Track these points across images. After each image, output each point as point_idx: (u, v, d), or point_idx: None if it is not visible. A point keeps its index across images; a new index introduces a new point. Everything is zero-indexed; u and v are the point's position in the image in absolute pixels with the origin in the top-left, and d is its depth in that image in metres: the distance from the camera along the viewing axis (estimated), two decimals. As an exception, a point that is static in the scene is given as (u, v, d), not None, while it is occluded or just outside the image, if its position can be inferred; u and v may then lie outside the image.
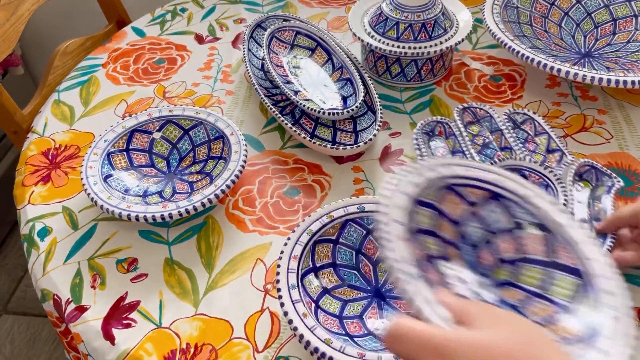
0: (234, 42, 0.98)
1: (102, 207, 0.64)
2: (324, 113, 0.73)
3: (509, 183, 0.48)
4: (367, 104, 0.80)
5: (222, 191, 0.65)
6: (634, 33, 0.87)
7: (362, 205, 0.61)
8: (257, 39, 0.90)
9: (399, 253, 0.39)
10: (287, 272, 0.55)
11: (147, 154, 0.74)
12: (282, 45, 0.88)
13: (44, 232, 0.68)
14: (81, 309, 0.60)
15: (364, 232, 0.61)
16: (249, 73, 0.82)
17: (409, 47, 0.81)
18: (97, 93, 0.88)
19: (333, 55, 0.84)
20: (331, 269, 0.59)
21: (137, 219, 0.62)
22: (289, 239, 0.58)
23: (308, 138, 0.73)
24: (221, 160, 0.71)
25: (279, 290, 0.54)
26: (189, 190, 0.69)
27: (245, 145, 0.70)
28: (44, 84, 0.94)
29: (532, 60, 0.77)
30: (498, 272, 0.47)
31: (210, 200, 0.64)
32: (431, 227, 0.46)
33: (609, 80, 0.73)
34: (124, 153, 0.72)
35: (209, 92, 0.87)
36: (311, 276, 0.57)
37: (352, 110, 0.74)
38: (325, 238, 0.60)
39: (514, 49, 0.79)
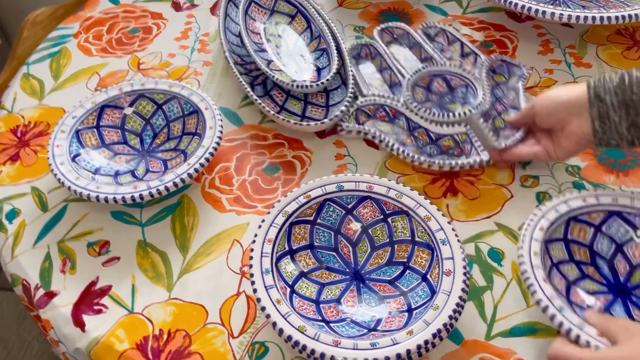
0: (213, 9, 0.93)
1: (69, 188, 0.61)
2: (292, 85, 0.70)
3: (622, 200, 0.56)
4: (342, 77, 0.76)
5: (196, 170, 0.62)
6: None
7: (341, 183, 0.58)
8: (237, 3, 0.85)
9: (547, 293, 0.49)
10: (261, 257, 0.52)
11: (119, 131, 0.70)
12: (261, 11, 0.83)
13: (12, 215, 0.65)
14: (50, 295, 0.58)
15: (343, 211, 0.58)
16: (221, 38, 0.78)
17: None
18: (68, 65, 0.84)
19: (312, 23, 0.80)
20: (308, 251, 0.57)
21: (106, 200, 0.60)
22: (263, 221, 0.56)
23: (272, 112, 0.69)
24: (196, 137, 0.68)
25: (252, 275, 0.51)
26: (163, 169, 0.66)
27: (221, 120, 0.67)
28: (13, 56, 0.90)
29: (514, 4, 0.76)
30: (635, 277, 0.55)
31: (182, 180, 0.61)
32: (566, 257, 0.55)
33: (585, 18, 0.74)
34: (94, 130, 0.69)
35: (185, 64, 0.83)
36: (287, 259, 0.55)
37: (322, 83, 0.70)
38: (302, 219, 0.57)
39: None
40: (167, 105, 0.71)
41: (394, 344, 0.46)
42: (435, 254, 0.53)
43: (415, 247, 0.55)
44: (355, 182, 0.58)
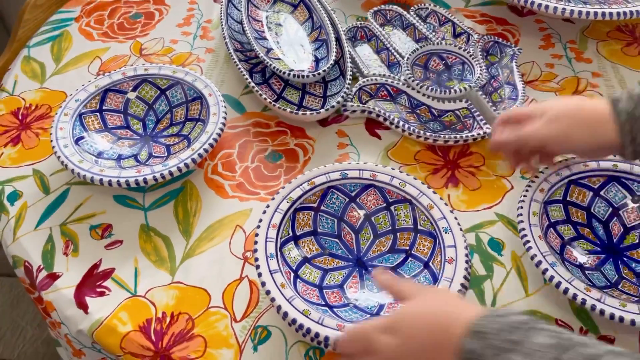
0: (215, -4, 0.93)
1: (72, 171, 0.61)
2: (289, 74, 0.70)
3: (622, 166, 0.59)
4: (340, 68, 0.76)
5: (200, 155, 0.62)
6: None
7: (345, 171, 0.59)
8: (240, -9, 0.85)
9: (541, 249, 0.53)
10: (266, 241, 0.53)
11: (122, 115, 0.70)
12: (265, -1, 0.83)
13: (14, 196, 0.65)
14: (53, 277, 0.58)
15: (347, 199, 0.59)
16: (222, 24, 0.78)
17: None
18: (69, 49, 0.84)
19: (314, 14, 0.80)
20: (312, 237, 0.57)
21: (109, 183, 0.60)
22: (268, 206, 0.56)
23: (269, 99, 0.70)
24: (199, 123, 0.68)
25: (256, 260, 0.52)
26: (166, 154, 0.66)
27: (225, 106, 0.67)
28: (14, 38, 0.89)
29: None
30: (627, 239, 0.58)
31: (186, 165, 0.61)
32: (564, 217, 0.58)
33: (587, 13, 0.74)
34: (97, 114, 0.69)
35: (187, 50, 0.83)
36: (291, 245, 0.56)
37: (319, 74, 0.70)
38: (306, 206, 0.57)
39: None
40: (171, 90, 0.71)
41: None
42: (437, 242, 0.54)
43: (418, 235, 0.56)
44: (359, 170, 0.59)
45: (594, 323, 0.53)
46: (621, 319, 0.49)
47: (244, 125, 0.73)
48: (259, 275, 0.51)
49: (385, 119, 0.70)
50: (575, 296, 0.50)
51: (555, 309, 0.55)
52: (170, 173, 0.61)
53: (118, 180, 0.60)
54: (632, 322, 0.49)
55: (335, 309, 0.51)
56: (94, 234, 0.61)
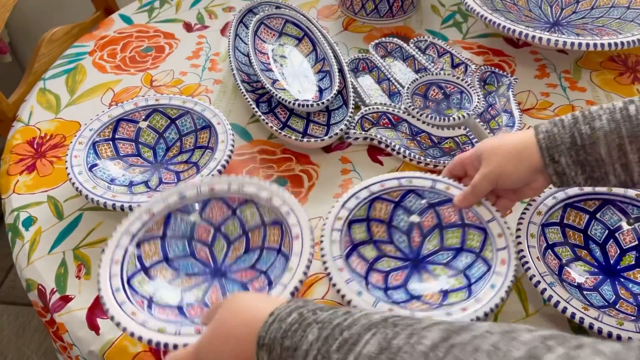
0: (223, 30, 0.97)
1: (87, 196, 0.63)
2: (294, 104, 0.73)
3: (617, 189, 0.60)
4: (343, 97, 0.79)
5: (208, 181, 0.64)
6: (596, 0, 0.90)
7: (183, 193, 0.58)
8: (247, 25, 0.89)
9: (539, 270, 0.54)
10: (110, 278, 0.53)
11: (134, 143, 0.73)
12: (270, 33, 0.87)
13: (29, 222, 0.67)
14: (66, 299, 0.60)
15: (191, 220, 0.59)
16: (230, 57, 0.81)
17: None
18: (83, 81, 0.87)
19: (317, 46, 0.84)
20: (164, 263, 0.57)
21: (122, 208, 0.62)
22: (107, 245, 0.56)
23: (275, 128, 0.72)
24: (208, 150, 0.70)
25: (102, 297, 0.52)
26: (176, 180, 0.69)
27: (232, 135, 0.70)
28: (30, 72, 0.93)
29: (511, 30, 0.79)
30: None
31: (196, 190, 0.64)
32: (561, 240, 0.60)
33: (580, 44, 0.77)
34: (110, 142, 0.72)
35: (196, 81, 0.86)
36: (141, 276, 0.55)
37: (322, 103, 0.74)
38: (151, 235, 0.57)
39: (494, 22, 0.81)
40: (181, 120, 0.74)
41: None
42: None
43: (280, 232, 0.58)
44: (198, 187, 0.59)
45: (593, 342, 0.55)
46: (619, 337, 0.50)
47: (251, 152, 0.75)
48: (106, 311, 0.51)
49: (387, 146, 0.72)
50: (573, 315, 0.51)
51: (554, 329, 0.56)
52: (180, 198, 0.63)
53: (130, 205, 0.62)
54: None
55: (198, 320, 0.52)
56: (105, 257, 0.63)
